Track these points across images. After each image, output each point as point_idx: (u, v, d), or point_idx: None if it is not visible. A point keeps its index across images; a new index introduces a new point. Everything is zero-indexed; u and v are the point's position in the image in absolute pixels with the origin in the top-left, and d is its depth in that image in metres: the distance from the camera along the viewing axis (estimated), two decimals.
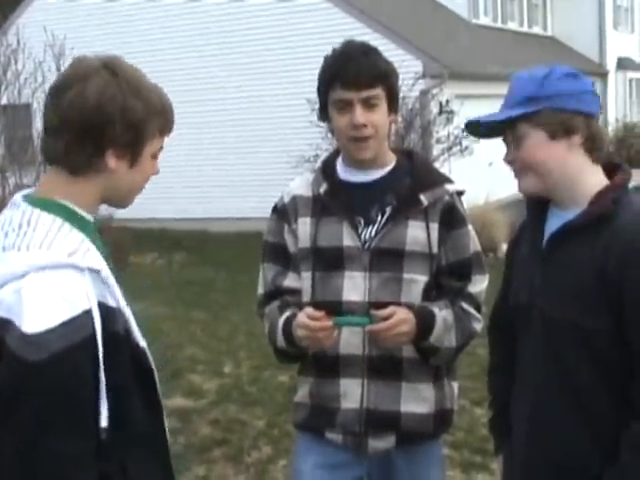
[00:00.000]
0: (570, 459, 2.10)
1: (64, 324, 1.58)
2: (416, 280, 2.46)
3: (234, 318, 8.81)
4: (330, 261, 2.47)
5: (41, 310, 1.57)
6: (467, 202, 2.62)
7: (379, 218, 2.48)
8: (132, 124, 1.73)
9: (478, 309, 2.55)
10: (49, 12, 16.33)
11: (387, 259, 2.45)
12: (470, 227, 2.56)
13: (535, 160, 2.08)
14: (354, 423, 2.49)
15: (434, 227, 2.48)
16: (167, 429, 1.91)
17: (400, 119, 11.50)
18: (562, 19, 23.08)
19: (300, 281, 2.53)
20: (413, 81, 11.61)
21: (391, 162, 2.54)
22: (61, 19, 15.83)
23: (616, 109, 23.37)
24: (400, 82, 2.53)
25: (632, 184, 2.16)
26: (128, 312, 1.74)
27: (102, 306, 1.66)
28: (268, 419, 5.62)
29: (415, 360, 2.48)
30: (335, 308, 2.40)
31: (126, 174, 1.78)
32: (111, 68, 1.74)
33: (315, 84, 2.49)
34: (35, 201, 1.74)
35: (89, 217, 1.79)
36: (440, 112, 12.72)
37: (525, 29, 22.01)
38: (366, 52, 2.43)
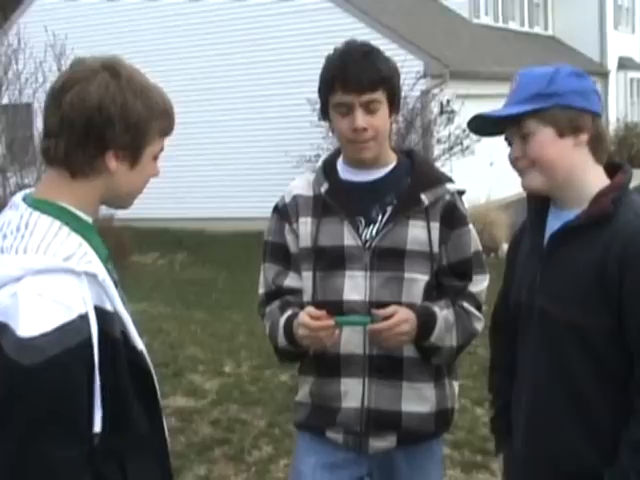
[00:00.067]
0: (569, 459, 2.10)
1: (59, 328, 1.57)
2: (417, 280, 2.46)
3: (235, 318, 8.81)
4: (331, 261, 2.47)
5: (36, 314, 1.57)
6: (468, 202, 2.62)
7: (380, 218, 2.48)
8: (132, 125, 1.73)
9: (479, 309, 2.55)
10: (50, 12, 16.33)
11: (388, 259, 2.45)
12: (471, 227, 2.56)
13: (543, 157, 2.07)
14: (355, 422, 2.49)
15: (435, 226, 2.48)
16: (166, 431, 1.90)
17: (401, 119, 11.53)
18: (563, 19, 23.09)
19: (301, 281, 2.53)
20: (414, 81, 11.63)
21: (392, 162, 2.55)
22: (62, 19, 15.84)
23: (617, 109, 23.37)
24: (401, 82, 2.53)
25: (633, 184, 2.16)
26: (126, 315, 1.73)
27: (99, 310, 1.65)
28: (269, 419, 5.62)
29: (416, 360, 2.48)
30: (336, 308, 2.40)
31: (126, 175, 1.78)
32: (111, 69, 1.73)
33: (316, 84, 2.49)
34: (34, 203, 1.73)
35: (89, 219, 1.79)
36: (441, 112, 12.74)
37: (526, 29, 22.02)
38: (367, 54, 2.41)
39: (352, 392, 2.48)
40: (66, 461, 1.58)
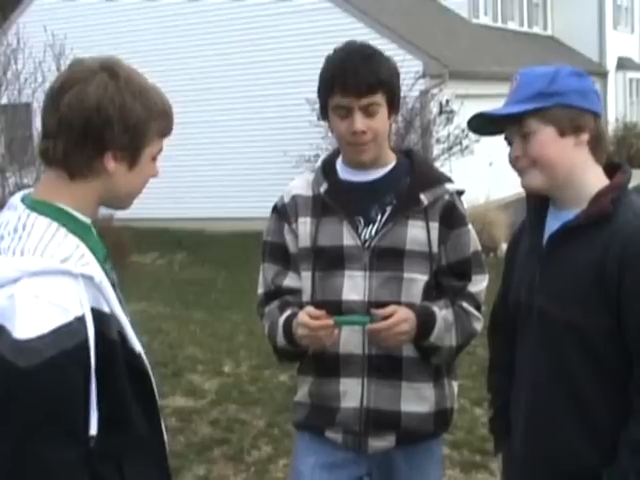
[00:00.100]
0: (569, 459, 2.10)
1: (56, 330, 1.57)
2: (416, 279, 2.46)
3: (234, 318, 8.81)
4: (330, 260, 2.47)
5: (33, 316, 1.57)
6: (467, 202, 2.62)
7: (379, 217, 2.48)
8: (131, 126, 1.72)
9: (478, 308, 2.55)
10: (49, 12, 16.33)
11: (387, 258, 2.45)
12: (470, 227, 2.57)
13: (544, 156, 2.07)
14: (354, 422, 2.49)
15: (434, 226, 2.48)
16: (165, 433, 1.90)
17: (400, 119, 11.52)
18: (562, 19, 23.10)
19: (300, 281, 2.53)
20: (413, 81, 11.63)
21: (391, 162, 2.55)
22: (61, 19, 15.84)
23: (616, 109, 23.38)
24: (400, 82, 2.52)
25: (632, 184, 2.16)
26: (123, 317, 1.73)
27: (96, 312, 1.65)
28: (268, 419, 5.62)
29: (415, 359, 2.48)
30: (335, 307, 2.40)
31: (125, 176, 1.77)
32: (110, 70, 1.73)
33: (315, 84, 2.49)
34: (32, 204, 1.73)
35: (87, 220, 1.78)
36: (440, 112, 12.73)
37: (525, 29, 22.02)
38: (367, 57, 2.39)
39: (351, 392, 2.48)
40: (63, 463, 1.58)
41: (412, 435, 2.52)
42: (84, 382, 1.62)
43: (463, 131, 11.61)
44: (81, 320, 1.61)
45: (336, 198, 2.50)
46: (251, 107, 15.14)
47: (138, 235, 13.15)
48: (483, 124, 2.17)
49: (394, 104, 2.46)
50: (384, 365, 2.46)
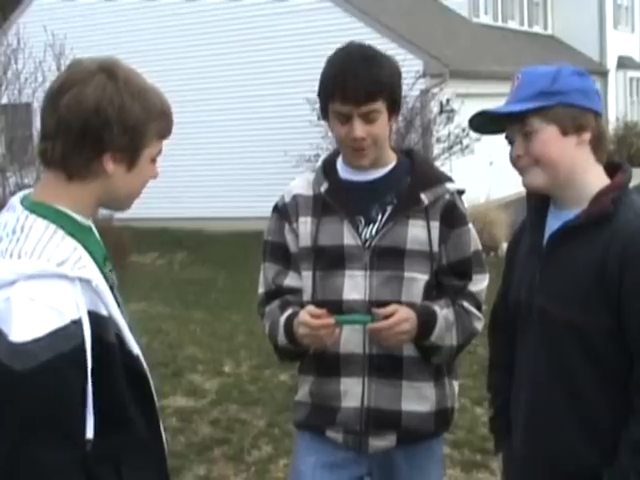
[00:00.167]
0: (569, 459, 2.10)
1: (52, 334, 1.57)
2: (417, 279, 2.46)
3: (234, 317, 8.81)
4: (331, 260, 2.47)
5: (29, 319, 1.56)
6: (468, 201, 2.62)
7: (380, 217, 2.48)
8: (130, 127, 1.71)
9: (479, 308, 2.55)
10: (49, 12, 16.33)
11: (388, 258, 2.45)
12: (471, 226, 2.56)
13: (546, 155, 2.06)
14: (355, 422, 2.49)
15: (435, 226, 2.48)
16: (164, 435, 1.90)
17: (400, 118, 11.52)
18: (563, 18, 23.10)
19: (301, 280, 2.52)
20: (413, 80, 11.63)
21: (391, 161, 2.54)
22: (61, 19, 15.84)
23: (616, 108, 23.39)
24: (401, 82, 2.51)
25: (633, 183, 2.15)
26: (121, 320, 1.73)
27: (93, 315, 1.65)
28: (268, 418, 5.62)
29: (416, 359, 2.48)
30: (336, 307, 2.40)
31: (124, 178, 1.76)
32: (108, 71, 1.72)
33: (315, 84, 2.48)
34: (31, 205, 1.72)
35: (86, 222, 1.78)
36: (441, 111, 12.73)
37: (525, 28, 22.02)
38: (368, 63, 2.36)
39: (352, 391, 2.48)
40: (58, 466, 1.58)
41: (413, 434, 2.51)
42: (83, 385, 1.61)
43: (464, 130, 11.61)
44: (77, 323, 1.60)
45: (337, 198, 2.50)
46: (250, 107, 15.13)
47: (138, 235, 13.15)
48: (484, 123, 2.17)
49: (395, 108, 2.45)
50: (385, 364, 2.46)
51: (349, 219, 2.48)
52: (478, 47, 17.27)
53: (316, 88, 2.47)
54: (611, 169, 2.14)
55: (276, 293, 2.56)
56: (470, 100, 12.33)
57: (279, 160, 13.94)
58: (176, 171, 14.00)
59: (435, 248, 2.47)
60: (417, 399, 2.49)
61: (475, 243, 2.55)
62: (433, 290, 2.49)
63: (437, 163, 11.05)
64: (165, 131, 1.81)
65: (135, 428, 1.74)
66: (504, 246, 10.62)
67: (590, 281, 2.01)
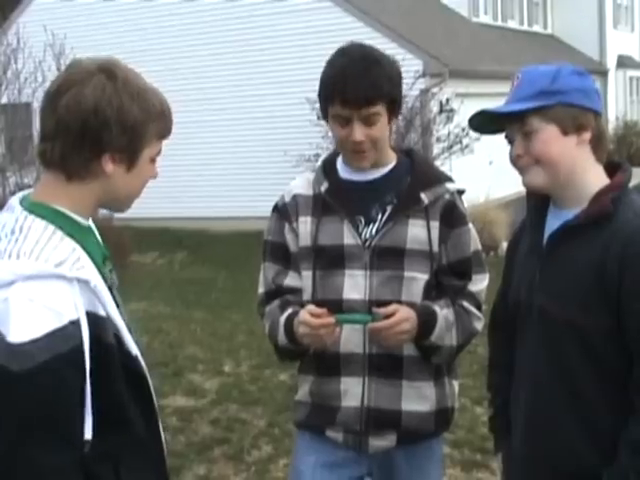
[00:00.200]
0: (568, 458, 2.10)
1: (49, 334, 1.57)
2: (417, 278, 2.46)
3: (234, 317, 8.82)
4: (331, 260, 2.47)
5: (27, 320, 1.56)
6: (467, 201, 2.62)
7: (380, 217, 2.48)
8: (129, 128, 1.71)
9: (479, 308, 2.55)
10: (49, 12, 16.33)
11: (388, 257, 2.45)
12: (470, 226, 2.56)
13: (547, 154, 2.06)
14: (355, 421, 2.49)
15: (435, 225, 2.48)
16: (163, 436, 1.89)
17: (400, 118, 11.51)
18: (562, 17, 23.10)
19: (301, 280, 2.52)
20: (413, 80, 11.62)
21: (391, 161, 2.54)
22: (61, 19, 15.85)
23: (616, 107, 23.39)
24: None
25: (632, 183, 2.15)
26: (119, 321, 1.73)
27: (91, 315, 1.64)
28: (268, 418, 5.62)
29: (416, 358, 2.48)
30: (336, 307, 2.40)
31: (123, 178, 1.76)
32: (108, 71, 1.72)
33: (315, 83, 2.48)
34: (30, 206, 1.72)
35: (85, 222, 1.78)
36: (440, 111, 12.73)
37: (525, 27, 22.02)
38: (368, 66, 2.35)
39: (352, 391, 2.48)
40: (55, 467, 1.58)
41: (413, 434, 2.51)
42: (82, 385, 1.61)
43: (463, 130, 11.61)
44: (76, 324, 1.60)
45: (337, 197, 2.50)
46: (250, 107, 15.13)
47: (138, 235, 13.15)
48: (484, 122, 2.17)
49: (395, 110, 2.44)
50: (385, 364, 2.46)
51: (349, 219, 2.48)
52: (478, 47, 17.26)
53: (316, 88, 2.47)
54: (611, 169, 2.14)
55: (276, 293, 2.56)
56: (470, 100, 12.33)
57: (279, 160, 13.94)
58: (176, 171, 14.00)
59: (435, 248, 2.47)
60: (417, 399, 2.49)
61: (475, 243, 2.55)
62: (433, 290, 2.49)
63: (437, 163, 11.06)
64: (164, 131, 1.81)
65: (134, 428, 1.74)
66: (504, 246, 10.62)
67: (590, 281, 2.01)
